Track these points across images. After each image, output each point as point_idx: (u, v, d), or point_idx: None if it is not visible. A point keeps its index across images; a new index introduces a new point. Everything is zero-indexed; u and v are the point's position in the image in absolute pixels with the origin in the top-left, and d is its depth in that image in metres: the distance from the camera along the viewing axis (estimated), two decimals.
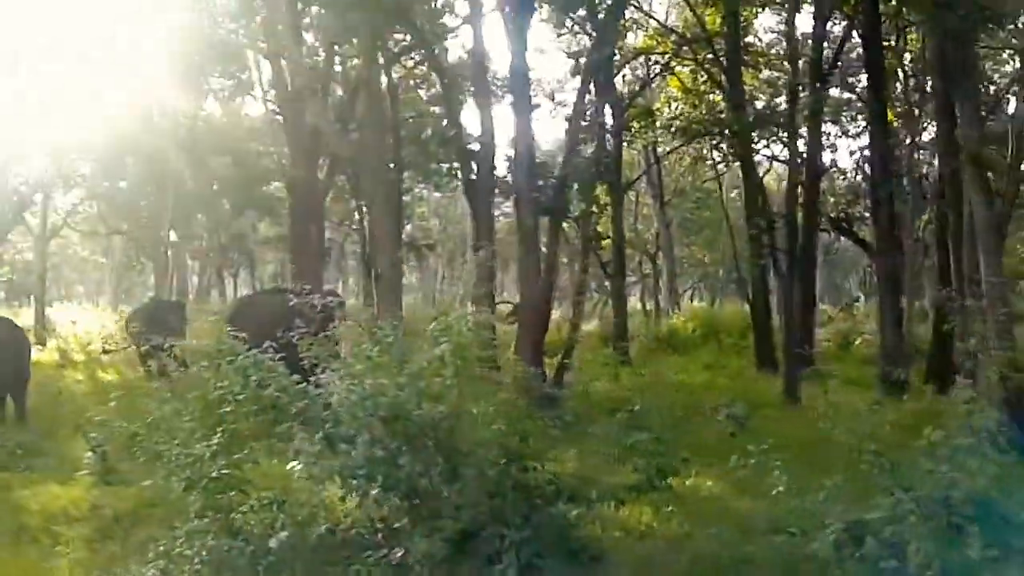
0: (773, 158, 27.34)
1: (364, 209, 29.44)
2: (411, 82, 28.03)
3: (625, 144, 25.33)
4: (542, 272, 14.17)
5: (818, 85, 19.19)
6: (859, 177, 27.84)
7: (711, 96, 24.76)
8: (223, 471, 7.21)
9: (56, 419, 14.56)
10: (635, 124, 24.40)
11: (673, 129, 24.53)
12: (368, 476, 6.47)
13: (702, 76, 24.30)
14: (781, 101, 23.41)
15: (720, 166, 35.42)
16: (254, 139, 31.89)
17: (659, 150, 30.37)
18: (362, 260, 33.38)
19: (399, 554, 6.64)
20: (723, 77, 20.88)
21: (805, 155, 20.22)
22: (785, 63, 23.37)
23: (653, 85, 28.02)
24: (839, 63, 20.58)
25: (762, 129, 19.55)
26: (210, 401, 7.57)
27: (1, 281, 42.49)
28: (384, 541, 6.89)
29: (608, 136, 21.98)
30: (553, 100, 28.04)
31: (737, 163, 27.98)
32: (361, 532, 7.07)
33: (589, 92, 17.45)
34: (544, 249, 15.11)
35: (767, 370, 19.00)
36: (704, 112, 24.59)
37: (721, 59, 20.55)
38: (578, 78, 18.72)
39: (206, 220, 38.20)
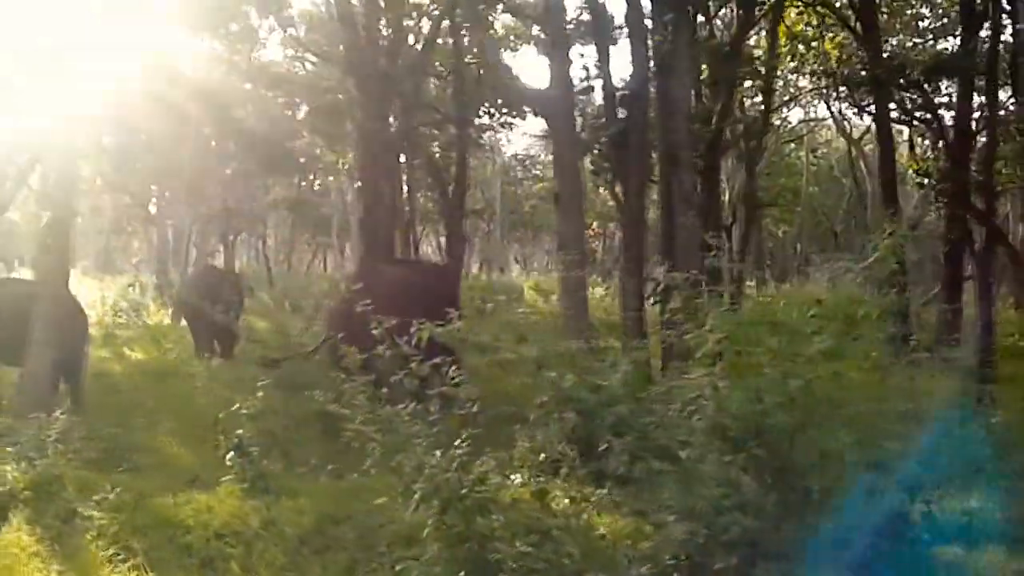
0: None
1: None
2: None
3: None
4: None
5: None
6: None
7: (818, 43, 23.68)
8: (477, 490, 6.32)
9: (113, 407, 13.68)
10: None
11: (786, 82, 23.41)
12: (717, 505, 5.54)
13: (815, 20, 23.20)
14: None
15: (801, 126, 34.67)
16: (277, 89, 30.77)
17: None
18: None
19: None
20: (855, 19, 19.75)
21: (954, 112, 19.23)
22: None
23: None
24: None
25: (938, 79, 18.30)
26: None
27: None
28: None
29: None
30: None
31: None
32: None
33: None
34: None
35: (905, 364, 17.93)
36: (813, 62, 23.58)
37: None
38: None
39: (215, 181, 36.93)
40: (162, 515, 8.09)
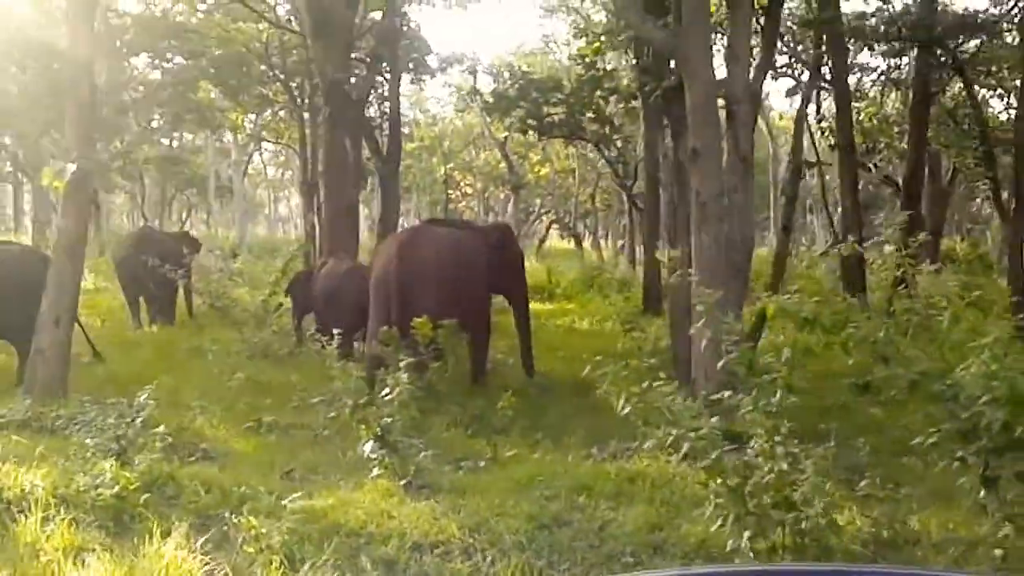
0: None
1: None
2: None
3: None
4: None
5: None
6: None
7: None
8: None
9: (106, 383, 11.89)
10: None
11: None
12: None
13: None
14: None
15: None
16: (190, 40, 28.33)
17: None
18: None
19: None
20: None
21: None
22: None
23: None
24: None
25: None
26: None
27: None
28: None
29: None
30: None
31: None
32: None
33: None
34: None
35: None
36: None
37: None
38: None
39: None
40: (329, 520, 6.66)
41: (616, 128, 27.28)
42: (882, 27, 17.83)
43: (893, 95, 28.05)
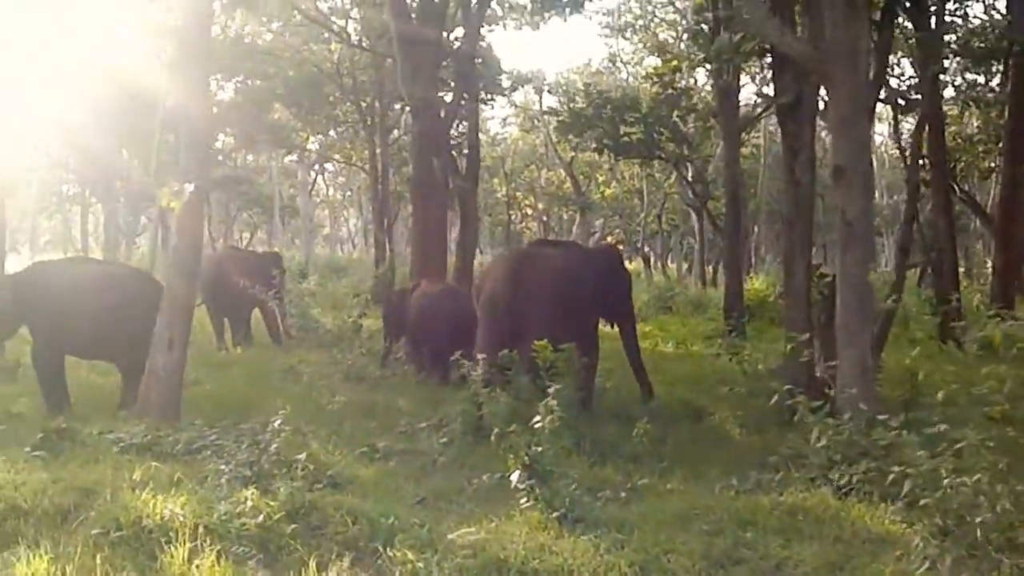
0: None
1: None
2: None
3: None
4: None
5: None
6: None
7: None
8: None
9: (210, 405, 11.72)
10: None
11: None
12: None
13: None
14: None
15: None
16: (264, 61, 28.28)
17: None
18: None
19: None
20: None
21: None
22: None
23: None
24: None
25: None
26: None
27: None
28: None
29: None
30: None
31: None
32: None
33: None
34: None
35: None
36: None
37: None
38: None
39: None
40: (488, 555, 6.31)
41: (694, 147, 26.86)
42: (990, 42, 17.38)
43: (967, 113, 27.67)
